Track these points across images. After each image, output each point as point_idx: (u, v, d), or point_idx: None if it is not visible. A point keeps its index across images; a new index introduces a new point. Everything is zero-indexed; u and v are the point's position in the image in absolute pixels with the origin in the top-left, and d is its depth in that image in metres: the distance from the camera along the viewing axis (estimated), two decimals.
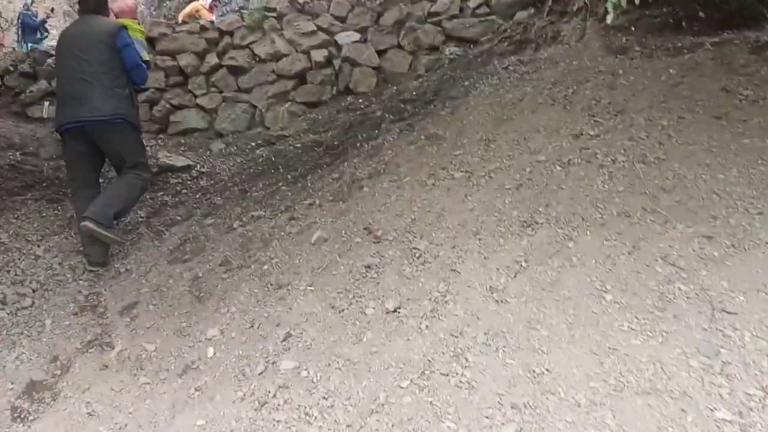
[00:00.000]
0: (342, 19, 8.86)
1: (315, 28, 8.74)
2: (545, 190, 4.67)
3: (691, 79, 5.67)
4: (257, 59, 8.81)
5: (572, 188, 4.60)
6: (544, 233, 4.25)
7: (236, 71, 8.86)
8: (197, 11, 11.27)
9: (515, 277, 3.93)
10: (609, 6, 5.59)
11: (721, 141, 4.71)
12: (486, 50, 7.71)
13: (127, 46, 5.34)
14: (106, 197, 5.31)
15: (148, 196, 6.73)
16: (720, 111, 5.09)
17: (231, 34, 9.00)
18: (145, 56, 5.61)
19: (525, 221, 4.42)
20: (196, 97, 8.89)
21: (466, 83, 7.12)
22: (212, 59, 8.93)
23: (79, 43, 5.27)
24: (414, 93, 7.49)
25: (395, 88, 8.12)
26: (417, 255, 4.39)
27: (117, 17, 5.86)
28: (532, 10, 8.19)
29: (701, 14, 6.82)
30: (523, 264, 4.02)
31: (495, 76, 6.98)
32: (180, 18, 11.05)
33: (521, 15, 8.23)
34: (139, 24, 6.05)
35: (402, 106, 7.23)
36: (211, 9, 11.66)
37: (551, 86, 6.22)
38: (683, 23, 6.83)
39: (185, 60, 8.93)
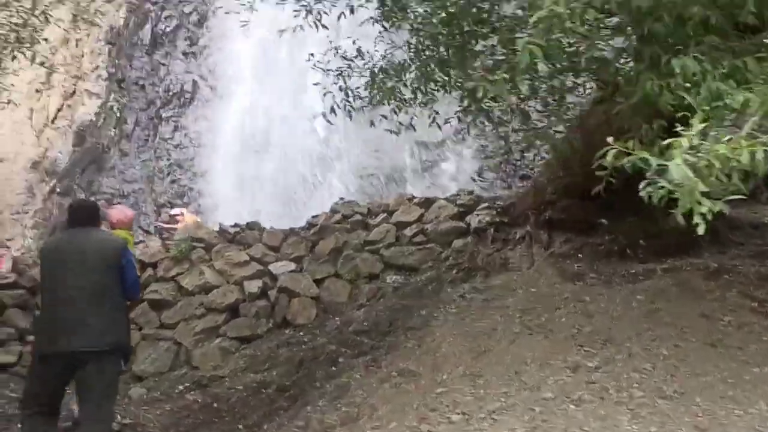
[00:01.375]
0: (275, 249, 8.53)
1: (248, 258, 8.31)
2: None
3: (665, 305, 5.65)
4: (183, 292, 8.16)
5: (598, 430, 4.15)
6: None
7: (159, 305, 8.12)
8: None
9: None
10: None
11: (731, 371, 4.54)
12: (433, 277, 7.53)
13: (129, 262, 4.90)
14: None
15: None
16: (712, 338, 4.99)
17: (154, 266, 8.38)
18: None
19: None
20: None
21: (423, 312, 6.79)
22: None
23: (77, 259, 4.68)
24: (364, 324, 7.05)
25: (338, 318, 7.65)
26: None
27: (113, 227, 5.28)
28: (468, 239, 8.21)
29: (642, 242, 7.04)
30: None
31: (452, 304, 6.73)
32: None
33: (458, 243, 8.24)
34: (132, 235, 5.43)
35: (356, 338, 6.74)
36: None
37: (521, 314, 6.01)
38: (627, 250, 7.00)
39: None
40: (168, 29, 17.43)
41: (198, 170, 15.81)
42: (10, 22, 7.03)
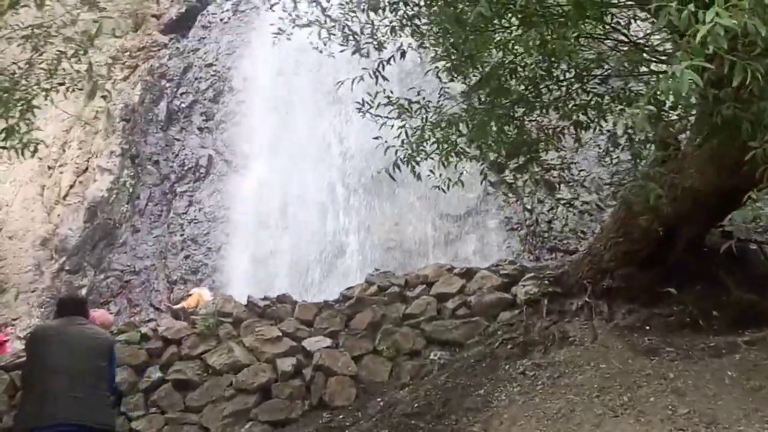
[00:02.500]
0: (309, 323, 7.88)
1: (280, 334, 7.65)
2: None
3: (766, 383, 4.97)
4: (210, 371, 7.46)
5: None
6: None
7: (184, 386, 7.40)
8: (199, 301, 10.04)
9: None
10: None
11: None
12: (484, 353, 6.85)
13: (115, 359, 5.35)
14: None
15: None
16: None
17: (178, 342, 7.71)
18: None
19: None
20: (130, 420, 7.23)
21: (481, 391, 6.11)
22: (154, 373, 7.48)
23: (73, 342, 4.96)
24: (414, 405, 6.32)
25: (379, 399, 6.93)
26: None
27: None
28: (516, 311, 7.58)
29: (715, 313, 6.43)
30: None
31: (513, 382, 6.05)
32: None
33: (506, 315, 7.61)
34: None
35: (408, 421, 6.02)
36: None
37: (598, 393, 5.35)
38: (700, 321, 6.38)
39: (120, 376, 7.35)
40: (183, 105, 17.26)
41: (212, 245, 15.24)
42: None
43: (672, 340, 6.14)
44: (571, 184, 13.17)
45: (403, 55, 6.44)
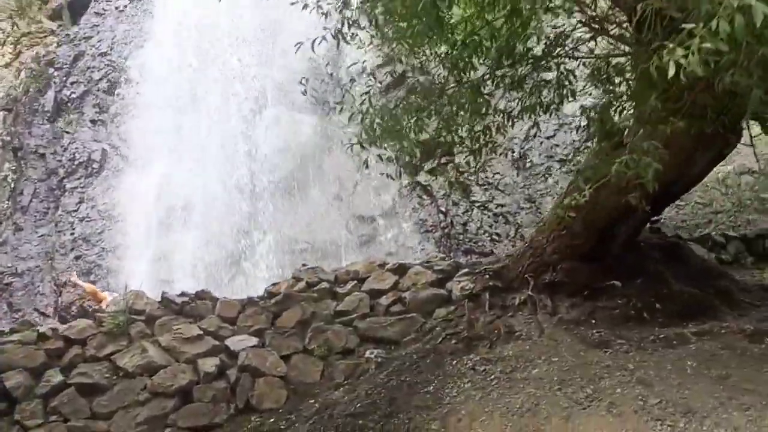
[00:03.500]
0: (232, 321, 7.22)
1: (201, 332, 6.94)
2: None
3: (731, 371, 4.86)
4: (121, 374, 6.64)
5: None
6: None
7: (90, 391, 6.54)
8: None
9: None
10: None
11: None
12: (427, 350, 6.45)
13: None
14: None
15: None
16: None
17: (83, 343, 6.84)
18: None
19: None
20: (27, 430, 6.29)
21: (430, 388, 5.71)
22: (55, 377, 6.57)
23: None
24: (357, 406, 5.82)
25: (313, 401, 6.38)
26: None
27: None
28: (452, 307, 7.25)
29: (658, 305, 6.35)
30: None
31: (464, 378, 5.70)
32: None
33: (441, 311, 7.27)
34: None
35: (355, 422, 5.51)
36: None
37: (559, 386, 5.08)
38: (644, 314, 6.27)
39: (14, 380, 6.46)
40: (74, 95, 15.91)
41: (107, 245, 14.05)
42: None
43: (620, 332, 5.99)
44: (485, 186, 13.11)
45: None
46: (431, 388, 5.69)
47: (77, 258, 14.02)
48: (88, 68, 16.26)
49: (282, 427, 6.02)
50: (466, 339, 6.39)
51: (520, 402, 4.91)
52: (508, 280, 7.02)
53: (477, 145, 7.31)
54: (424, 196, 13.58)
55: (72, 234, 14.25)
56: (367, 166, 6.77)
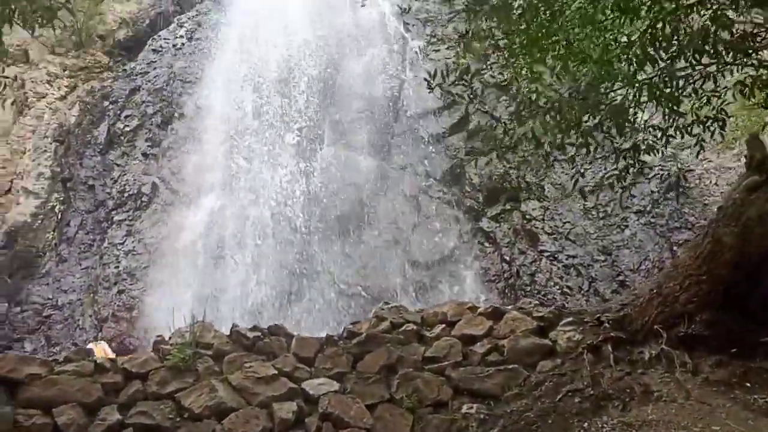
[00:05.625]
0: (309, 362, 6.25)
1: (275, 372, 5.96)
2: None
3: None
4: (186, 415, 5.66)
5: None
6: None
7: None
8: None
9: None
10: None
11: None
12: (546, 408, 5.38)
13: None
14: None
15: None
16: None
17: (144, 377, 5.88)
18: None
19: None
20: None
21: None
22: (111, 415, 5.60)
23: None
24: None
25: None
26: None
27: None
28: (558, 360, 6.21)
29: None
30: None
31: None
32: None
33: (546, 364, 6.23)
34: None
35: None
36: None
37: None
38: None
39: (66, 416, 5.50)
40: (127, 129, 15.42)
41: (152, 280, 13.18)
42: None
43: None
44: (554, 236, 12.13)
45: None
46: None
47: (120, 292, 13.19)
48: (143, 102, 15.84)
49: None
50: (593, 398, 5.33)
51: None
52: (632, 331, 5.99)
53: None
54: (487, 243, 12.64)
55: (117, 267, 13.48)
56: None
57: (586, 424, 4.96)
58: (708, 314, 5.62)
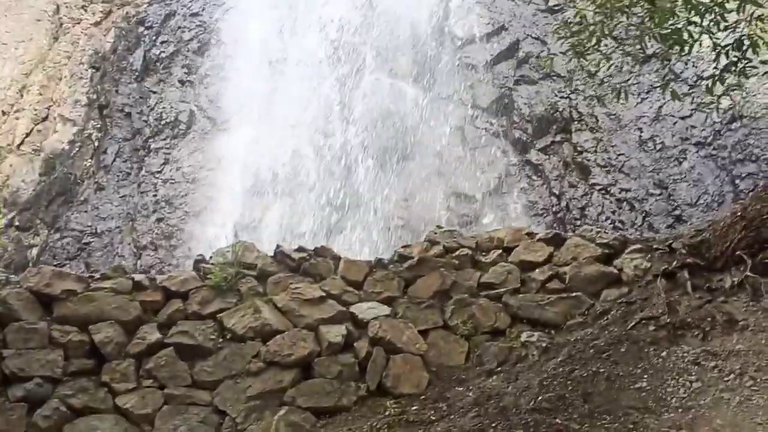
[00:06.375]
0: (357, 285, 5.85)
1: (323, 294, 5.57)
2: None
3: None
4: (229, 336, 5.33)
5: None
6: None
7: (192, 353, 5.25)
8: None
9: None
10: None
11: None
12: (617, 337, 4.91)
13: None
14: None
15: None
16: None
17: (184, 296, 5.56)
18: None
19: None
20: (115, 395, 5.02)
21: (641, 384, 4.17)
22: (151, 334, 5.29)
23: None
24: (539, 399, 4.34)
25: (464, 389, 4.94)
26: None
27: None
28: (624, 289, 5.71)
29: None
30: None
31: (690, 376, 4.15)
32: None
33: (611, 293, 5.75)
34: None
35: (546, 420, 4.00)
36: None
37: None
38: None
39: (103, 333, 5.21)
40: (163, 55, 14.92)
41: (190, 209, 12.89)
42: None
43: None
44: (607, 168, 11.47)
45: None
46: (644, 384, 4.17)
47: (159, 221, 12.96)
48: (179, 28, 15.30)
49: (433, 418, 4.59)
50: (669, 326, 4.85)
51: None
52: (710, 258, 5.44)
53: None
54: (535, 176, 12.05)
55: (155, 196, 13.21)
56: None
57: (664, 353, 4.50)
58: None
